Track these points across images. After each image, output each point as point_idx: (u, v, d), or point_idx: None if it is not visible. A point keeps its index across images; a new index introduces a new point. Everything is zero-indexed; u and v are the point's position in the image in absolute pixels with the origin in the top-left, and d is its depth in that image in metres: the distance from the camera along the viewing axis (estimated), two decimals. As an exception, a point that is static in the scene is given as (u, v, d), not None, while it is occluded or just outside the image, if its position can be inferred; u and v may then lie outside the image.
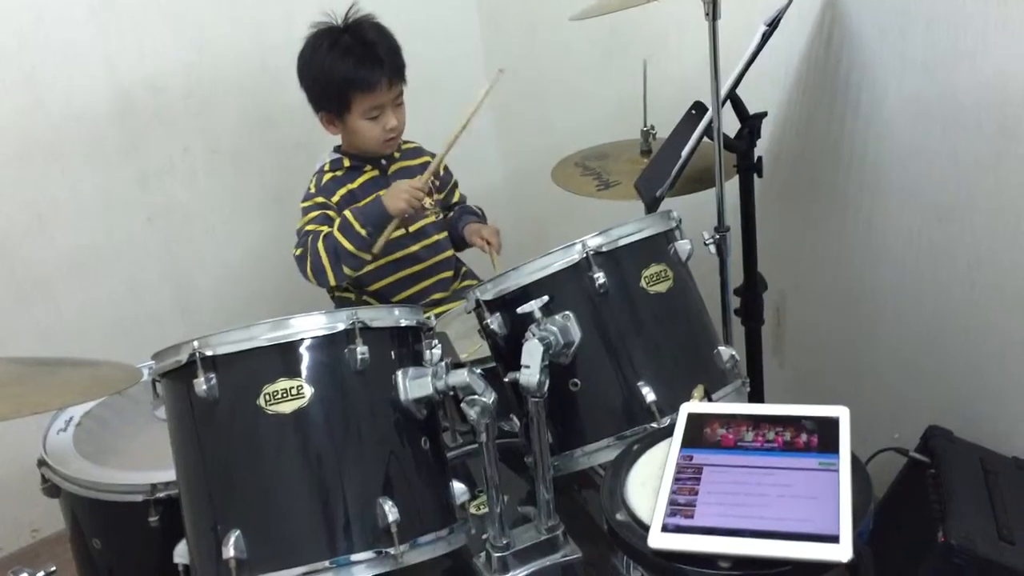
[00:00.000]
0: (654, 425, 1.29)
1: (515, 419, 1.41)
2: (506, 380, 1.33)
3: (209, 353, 1.14)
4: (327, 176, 1.95)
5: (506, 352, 1.36)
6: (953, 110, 1.61)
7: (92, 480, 1.42)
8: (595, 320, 1.32)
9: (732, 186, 1.67)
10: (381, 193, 1.84)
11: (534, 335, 1.25)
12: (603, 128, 2.12)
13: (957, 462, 1.58)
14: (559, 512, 1.33)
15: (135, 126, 2.21)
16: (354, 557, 1.12)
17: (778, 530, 0.97)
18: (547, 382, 1.23)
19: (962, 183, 1.64)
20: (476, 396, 1.21)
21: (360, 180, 1.95)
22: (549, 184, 1.90)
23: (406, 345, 1.25)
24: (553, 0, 2.18)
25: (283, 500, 1.14)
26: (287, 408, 1.14)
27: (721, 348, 1.40)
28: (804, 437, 1.09)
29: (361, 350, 1.16)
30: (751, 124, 1.65)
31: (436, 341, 1.28)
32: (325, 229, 1.83)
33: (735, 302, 1.72)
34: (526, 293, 1.32)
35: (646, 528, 1.02)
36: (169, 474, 1.25)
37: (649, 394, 1.30)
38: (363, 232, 1.79)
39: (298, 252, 1.85)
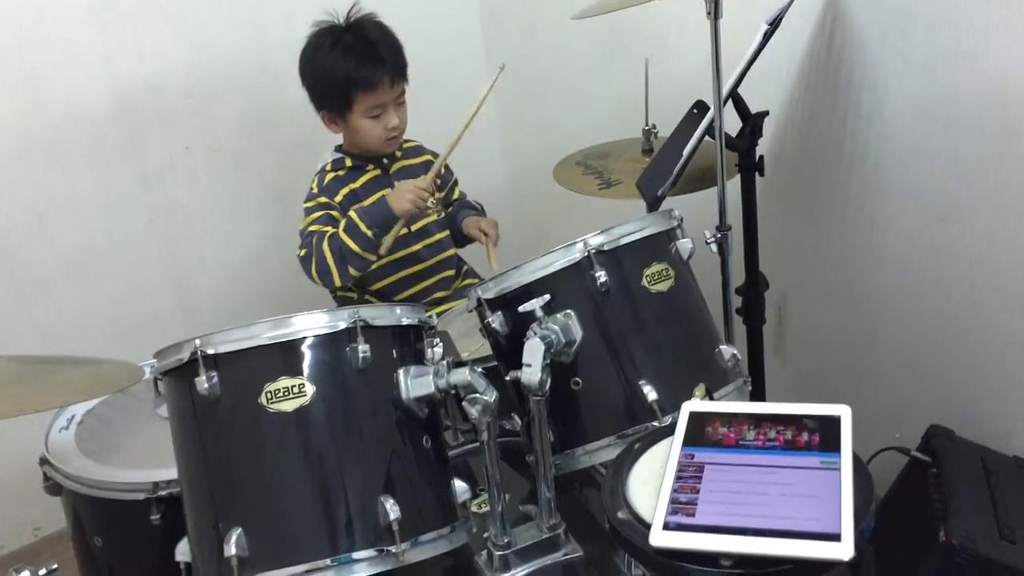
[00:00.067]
0: (655, 424, 1.29)
1: (516, 418, 1.41)
2: (507, 379, 1.33)
3: (211, 351, 1.14)
4: (329, 176, 1.95)
5: (507, 351, 1.36)
6: (954, 110, 1.61)
7: (94, 478, 1.42)
8: (596, 319, 1.32)
9: (734, 185, 1.67)
10: (386, 192, 1.84)
11: (535, 334, 1.25)
12: (604, 127, 2.12)
13: (958, 461, 1.58)
14: (560, 511, 1.33)
15: (135, 126, 2.21)
16: (355, 555, 1.12)
17: (780, 528, 0.97)
18: (548, 381, 1.23)
19: (963, 183, 1.64)
20: (477, 395, 1.21)
21: (362, 179, 1.95)
22: (550, 183, 1.90)
23: (408, 344, 1.25)
24: (554, -1, 2.19)
25: (285, 498, 1.14)
26: (289, 406, 1.14)
27: (722, 347, 1.40)
28: (805, 436, 1.09)
29: (363, 348, 1.16)
30: (753, 123, 1.65)
31: (438, 340, 1.28)
32: (329, 229, 1.83)
33: (736, 301, 1.72)
34: (528, 292, 1.32)
35: (648, 526, 1.02)
36: (171, 472, 1.26)
37: (651, 393, 1.30)
38: (369, 233, 1.79)
39: (302, 253, 1.84)
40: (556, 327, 1.28)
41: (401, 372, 1.21)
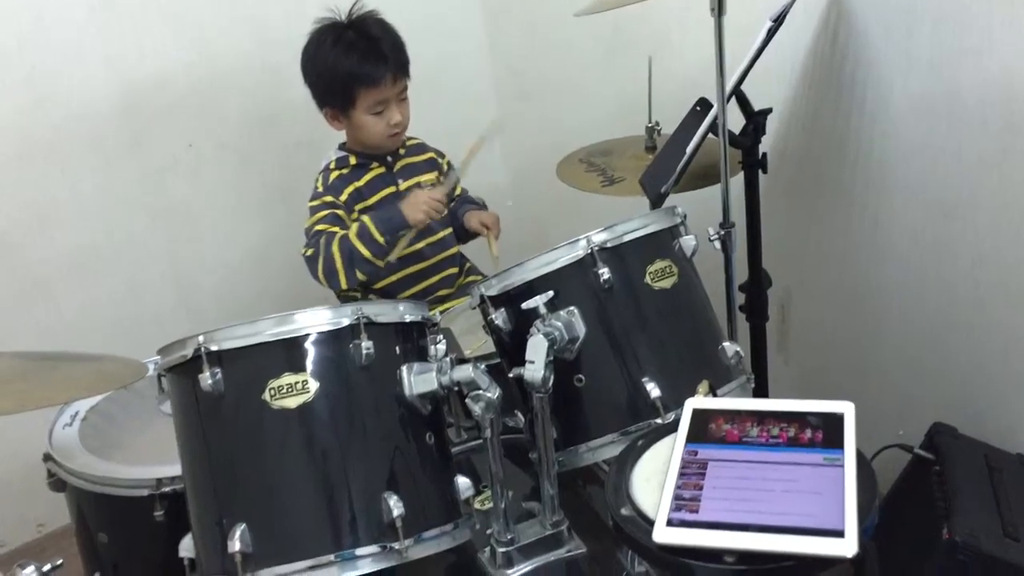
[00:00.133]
0: (659, 420, 1.29)
1: (520, 415, 1.40)
2: (511, 376, 1.32)
3: (214, 348, 1.14)
4: (334, 174, 1.94)
5: (511, 348, 1.36)
6: (958, 107, 1.60)
7: (98, 474, 1.43)
8: (600, 316, 1.32)
9: (737, 182, 1.66)
10: (390, 191, 1.84)
11: (539, 331, 1.25)
12: (607, 124, 2.12)
13: (961, 459, 1.58)
14: (564, 507, 1.33)
15: (136, 126, 2.21)
16: (359, 551, 1.12)
17: (783, 525, 0.97)
18: (551, 378, 1.23)
19: (967, 180, 1.63)
20: (481, 391, 1.21)
21: (367, 177, 1.95)
22: (553, 180, 1.90)
23: (411, 340, 1.25)
24: (556, -3, 2.18)
25: (288, 494, 1.14)
26: (292, 403, 1.14)
27: (726, 344, 1.40)
28: (809, 432, 1.09)
29: (366, 345, 1.16)
30: (756, 120, 1.65)
31: (441, 336, 1.28)
32: (336, 229, 1.82)
33: (740, 298, 1.72)
34: (531, 289, 1.31)
35: (651, 523, 1.02)
36: (175, 468, 1.26)
37: (654, 390, 1.30)
38: (381, 240, 1.79)
39: (309, 253, 1.83)
40: (559, 324, 1.28)
41: (404, 369, 1.21)
